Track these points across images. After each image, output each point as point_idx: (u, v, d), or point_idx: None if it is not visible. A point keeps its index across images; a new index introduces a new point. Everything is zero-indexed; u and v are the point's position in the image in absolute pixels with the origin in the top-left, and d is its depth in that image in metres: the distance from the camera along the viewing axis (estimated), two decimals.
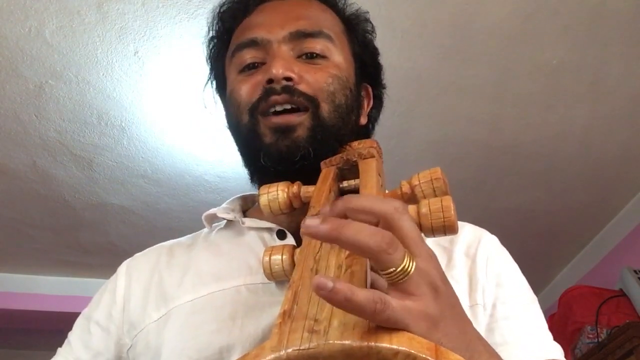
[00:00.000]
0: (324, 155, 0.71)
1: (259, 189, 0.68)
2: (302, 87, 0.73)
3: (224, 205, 0.84)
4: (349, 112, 0.76)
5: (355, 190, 0.63)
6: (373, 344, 0.36)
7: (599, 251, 2.99)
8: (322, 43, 0.77)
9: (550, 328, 0.72)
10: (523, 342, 0.66)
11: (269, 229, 0.76)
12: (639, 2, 1.84)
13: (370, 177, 0.61)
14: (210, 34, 0.89)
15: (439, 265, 0.44)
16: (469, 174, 2.53)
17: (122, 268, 0.82)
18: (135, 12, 1.83)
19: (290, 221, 0.75)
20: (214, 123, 2.21)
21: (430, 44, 1.97)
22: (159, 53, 1.97)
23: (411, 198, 0.59)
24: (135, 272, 0.79)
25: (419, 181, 0.58)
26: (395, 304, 0.38)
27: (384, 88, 0.91)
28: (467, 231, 0.77)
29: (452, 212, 0.50)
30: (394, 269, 0.38)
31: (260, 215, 0.77)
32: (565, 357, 0.69)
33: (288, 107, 0.72)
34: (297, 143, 0.70)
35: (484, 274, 0.71)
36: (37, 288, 3.10)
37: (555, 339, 0.70)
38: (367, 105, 0.86)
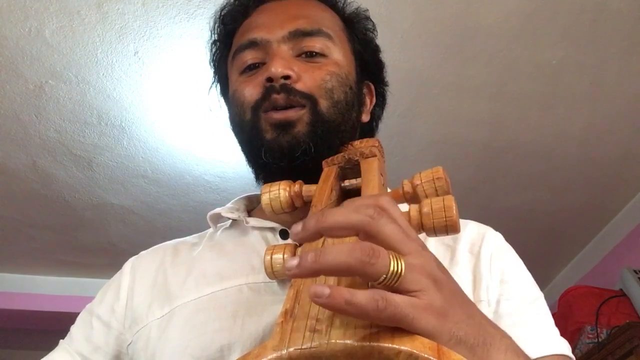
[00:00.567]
0: (325, 150, 0.71)
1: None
2: (299, 86, 0.73)
3: (228, 204, 0.84)
4: (349, 109, 0.77)
5: (357, 190, 0.63)
6: (375, 343, 0.36)
7: (599, 251, 2.99)
8: (321, 41, 0.78)
9: None
10: (528, 338, 0.66)
11: (272, 229, 0.76)
12: (639, 2, 1.84)
13: (372, 176, 0.61)
14: (213, 38, 0.90)
15: (433, 256, 0.44)
16: (469, 174, 2.53)
17: (127, 265, 0.83)
18: (135, 12, 1.83)
19: (293, 221, 0.74)
20: (214, 123, 2.21)
21: (430, 44, 1.97)
22: (159, 53, 1.96)
23: (413, 197, 0.59)
24: (140, 269, 0.80)
25: (421, 180, 0.58)
26: (399, 299, 0.37)
27: (387, 86, 0.91)
28: (471, 228, 0.77)
29: (454, 211, 0.50)
30: (383, 276, 0.37)
31: (264, 215, 0.78)
32: None
33: (288, 105, 0.73)
34: (297, 138, 0.71)
35: (487, 271, 0.71)
36: (37, 288, 3.10)
37: None
38: (369, 103, 0.87)
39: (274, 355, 0.36)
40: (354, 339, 0.36)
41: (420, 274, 0.40)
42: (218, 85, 0.91)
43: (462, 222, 0.52)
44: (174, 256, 0.80)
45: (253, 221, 0.78)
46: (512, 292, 0.70)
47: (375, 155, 0.67)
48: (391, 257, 0.38)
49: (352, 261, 0.37)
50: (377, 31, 0.90)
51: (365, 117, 0.84)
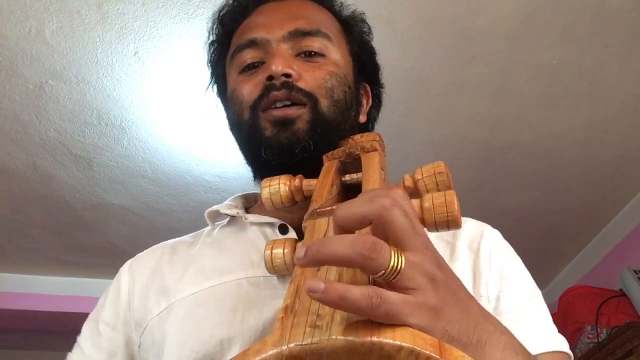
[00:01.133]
0: (324, 149, 0.72)
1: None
2: (300, 84, 0.74)
3: (226, 202, 0.85)
4: (348, 108, 0.78)
5: (358, 184, 0.63)
6: (376, 339, 0.36)
7: (599, 251, 2.99)
8: (320, 41, 0.79)
9: None
10: (527, 335, 0.66)
11: (270, 224, 0.76)
12: (639, 2, 1.84)
13: (373, 170, 0.61)
14: (211, 38, 0.91)
15: (436, 253, 0.44)
16: (469, 174, 2.53)
17: (125, 268, 0.83)
18: (135, 12, 1.83)
19: (292, 216, 0.75)
20: (214, 123, 2.21)
21: (430, 44, 1.97)
22: (159, 53, 1.96)
23: (414, 192, 0.58)
24: (138, 270, 0.80)
25: (422, 175, 0.58)
26: (393, 297, 0.38)
27: (382, 88, 0.92)
28: (470, 226, 0.78)
29: (456, 206, 0.50)
30: (383, 271, 0.38)
31: (262, 212, 0.78)
32: None
33: (288, 103, 0.73)
34: (297, 135, 0.72)
35: (487, 267, 0.72)
36: (37, 288, 3.10)
37: None
38: (366, 104, 0.87)
39: (275, 351, 0.36)
40: (355, 335, 0.36)
41: (418, 272, 0.40)
42: (215, 86, 0.91)
43: (461, 219, 0.52)
44: (171, 255, 0.81)
45: (252, 217, 0.78)
46: (511, 289, 0.71)
47: (376, 150, 0.67)
48: (393, 252, 0.38)
49: (353, 253, 0.37)
50: (372, 34, 0.91)
51: (362, 118, 0.85)
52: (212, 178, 2.55)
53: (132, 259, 0.84)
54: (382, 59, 0.92)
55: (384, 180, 0.62)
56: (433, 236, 0.73)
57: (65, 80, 2.03)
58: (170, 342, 0.67)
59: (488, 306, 0.68)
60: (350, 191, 0.65)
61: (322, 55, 0.78)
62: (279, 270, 0.59)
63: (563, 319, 2.50)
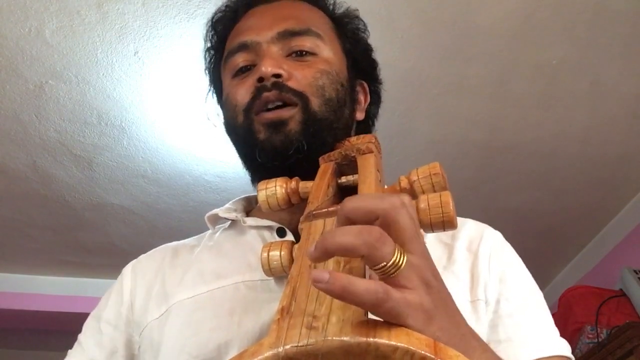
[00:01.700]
0: (319, 148, 0.72)
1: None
2: (290, 84, 0.74)
3: (226, 205, 0.85)
4: (341, 106, 0.77)
5: (354, 186, 0.63)
6: (371, 340, 0.36)
7: (599, 251, 2.99)
8: (310, 40, 0.79)
9: None
10: (528, 339, 0.66)
11: (269, 227, 0.76)
12: (639, 2, 1.84)
13: (368, 172, 0.61)
14: (206, 45, 0.91)
15: (432, 263, 0.45)
16: (469, 174, 2.52)
17: (128, 268, 0.83)
18: (135, 12, 1.83)
19: (290, 219, 0.75)
20: (214, 123, 2.21)
21: (430, 44, 1.97)
22: (159, 53, 1.97)
23: (410, 193, 0.59)
24: (141, 272, 0.80)
25: (418, 176, 0.58)
26: (398, 295, 0.38)
27: (380, 84, 0.92)
28: (470, 227, 0.78)
29: (451, 207, 0.50)
30: (384, 263, 0.38)
31: (262, 215, 0.78)
32: None
33: (279, 103, 0.73)
34: (289, 137, 0.72)
35: (486, 270, 0.71)
36: (37, 288, 3.10)
37: None
38: (364, 101, 0.87)
39: (271, 352, 0.36)
40: (351, 336, 0.36)
41: (416, 274, 0.40)
42: (214, 92, 0.92)
43: (460, 220, 0.52)
44: (173, 257, 0.81)
45: (250, 220, 0.79)
46: (512, 291, 0.70)
47: (371, 151, 0.67)
48: (397, 249, 0.39)
49: (360, 242, 0.38)
50: (369, 31, 0.91)
51: (360, 115, 0.85)
52: (212, 178, 2.55)
53: (135, 260, 0.85)
54: (381, 59, 0.92)
55: (379, 182, 0.62)
56: (431, 237, 0.73)
57: (65, 80, 2.03)
58: (169, 345, 0.67)
59: (487, 309, 0.68)
60: (346, 193, 0.65)
61: (313, 54, 0.78)
62: (276, 273, 0.59)
63: (563, 319, 2.50)
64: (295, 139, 0.71)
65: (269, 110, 0.73)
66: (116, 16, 1.83)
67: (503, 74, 2.09)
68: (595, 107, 2.23)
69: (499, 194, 2.66)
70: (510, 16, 1.87)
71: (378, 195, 0.43)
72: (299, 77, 0.75)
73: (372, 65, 0.90)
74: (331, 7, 0.89)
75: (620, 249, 2.85)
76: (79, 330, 0.81)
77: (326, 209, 0.54)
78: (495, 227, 0.81)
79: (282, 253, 0.58)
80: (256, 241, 0.76)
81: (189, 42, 1.93)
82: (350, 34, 0.87)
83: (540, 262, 3.07)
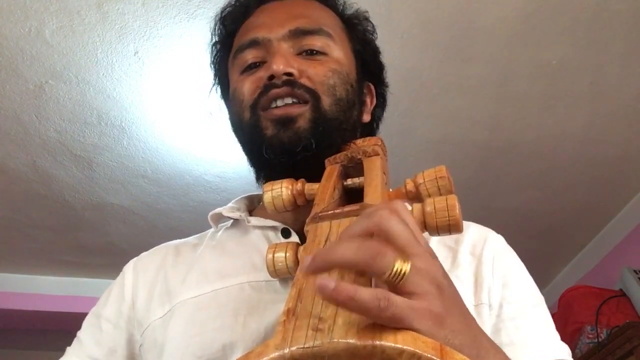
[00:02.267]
0: (326, 147, 0.71)
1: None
2: (303, 81, 0.74)
3: (230, 204, 0.84)
4: (351, 107, 0.77)
5: (360, 189, 0.63)
6: (377, 342, 0.36)
7: (599, 251, 2.99)
8: (321, 40, 0.78)
9: None
10: (530, 343, 0.66)
11: (273, 228, 0.76)
12: (639, 2, 1.84)
13: (374, 175, 0.61)
14: (213, 39, 0.91)
15: (439, 262, 0.45)
16: (469, 174, 2.53)
17: (129, 266, 0.83)
18: (135, 12, 1.83)
19: (295, 219, 0.75)
20: (214, 123, 2.21)
21: (430, 44, 1.97)
22: (159, 53, 1.96)
23: (416, 196, 0.59)
24: (142, 270, 0.80)
25: (424, 179, 0.58)
26: (400, 301, 0.38)
27: (387, 87, 0.92)
28: (473, 231, 0.78)
29: (457, 210, 0.50)
30: (388, 272, 0.38)
31: (265, 214, 0.78)
32: None
33: (289, 101, 0.73)
34: (298, 134, 0.71)
35: (490, 274, 0.71)
36: (37, 288, 3.10)
37: None
38: (370, 103, 0.87)
39: (277, 354, 0.36)
40: (357, 338, 0.36)
41: (424, 278, 0.40)
42: (219, 88, 0.91)
43: (464, 224, 0.52)
44: (175, 256, 0.81)
45: (254, 220, 0.78)
46: (515, 296, 0.70)
47: (377, 154, 0.67)
48: (397, 257, 0.39)
49: (358, 258, 0.39)
50: (377, 33, 0.91)
51: (366, 117, 0.85)
52: (212, 178, 2.55)
53: (137, 258, 0.84)
54: (382, 58, 0.92)
55: (385, 184, 0.62)
56: (435, 241, 0.73)
57: (65, 80, 2.03)
58: (173, 345, 0.67)
59: (490, 313, 0.68)
60: (352, 195, 0.65)
61: (323, 53, 0.78)
62: (281, 274, 0.59)
63: (563, 319, 2.51)
64: (304, 137, 0.71)
65: (277, 107, 0.73)
66: (116, 16, 1.83)
67: (503, 74, 2.09)
68: (595, 107, 2.23)
69: (499, 194, 2.66)
70: (510, 16, 1.88)
71: (368, 213, 0.44)
72: (311, 75, 0.75)
73: (380, 67, 0.90)
74: (341, 7, 0.88)
75: (620, 249, 2.85)
76: (79, 330, 0.81)
77: (332, 211, 0.54)
78: (495, 227, 0.81)
79: (288, 254, 0.58)
80: (261, 241, 0.75)
81: (189, 42, 1.92)
82: (360, 35, 0.87)
83: (540, 262, 3.07)
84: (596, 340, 2.28)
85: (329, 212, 0.54)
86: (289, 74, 0.73)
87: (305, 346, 0.36)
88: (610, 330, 2.24)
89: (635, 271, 2.49)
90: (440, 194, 0.57)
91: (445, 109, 2.23)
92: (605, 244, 2.95)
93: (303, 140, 0.71)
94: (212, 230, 0.86)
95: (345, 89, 0.76)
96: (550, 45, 1.98)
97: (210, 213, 0.83)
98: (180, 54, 1.97)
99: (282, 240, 0.74)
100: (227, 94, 0.86)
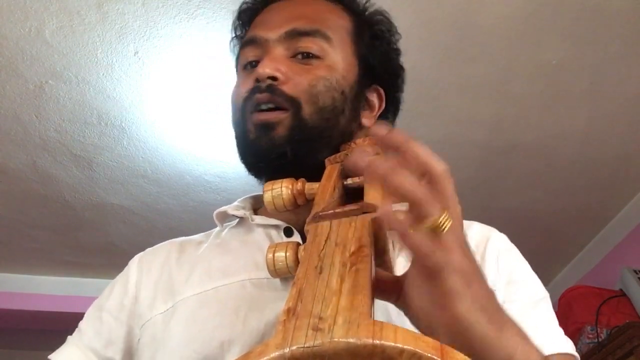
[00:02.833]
0: (305, 156, 0.72)
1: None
2: (285, 88, 0.73)
3: (235, 203, 0.85)
4: (337, 115, 0.75)
5: (360, 188, 0.63)
6: (378, 342, 0.36)
7: (599, 251, 2.99)
8: (317, 42, 0.77)
9: None
10: (533, 337, 0.66)
11: (276, 226, 0.76)
12: (639, 2, 1.84)
13: None
14: (232, 35, 0.91)
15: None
16: (469, 174, 2.53)
17: (135, 261, 0.83)
18: (135, 12, 1.83)
19: (297, 219, 0.75)
20: (215, 123, 2.21)
21: (430, 44, 1.97)
22: (159, 53, 1.96)
23: None
24: (147, 265, 0.81)
25: None
26: (441, 252, 0.41)
27: (400, 91, 0.90)
28: (476, 230, 0.78)
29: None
30: (434, 218, 0.41)
31: (269, 214, 0.78)
32: None
33: (272, 106, 0.73)
34: (274, 141, 0.72)
35: (494, 271, 0.71)
36: (37, 288, 3.10)
37: None
38: (378, 108, 0.85)
39: (277, 353, 0.36)
40: (357, 338, 0.36)
41: (456, 239, 0.43)
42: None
43: (466, 223, 0.52)
44: (180, 253, 0.81)
45: (258, 219, 0.79)
46: (519, 293, 0.70)
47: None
48: (444, 211, 0.42)
49: (418, 194, 0.42)
50: (398, 34, 0.89)
51: (368, 122, 0.82)
52: (212, 178, 2.55)
53: (142, 252, 0.85)
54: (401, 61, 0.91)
55: None
56: None
57: (65, 80, 2.03)
58: (174, 341, 0.67)
59: None
60: (351, 195, 0.65)
61: (317, 57, 0.77)
62: (281, 274, 0.59)
63: (563, 319, 2.51)
64: (279, 144, 0.71)
65: (261, 110, 0.73)
66: (116, 16, 1.83)
67: (503, 74, 2.09)
68: (595, 107, 2.23)
69: (499, 194, 2.66)
70: (510, 16, 1.88)
71: (440, 164, 0.46)
72: (296, 82, 0.74)
73: (392, 72, 0.88)
74: (355, 6, 0.87)
75: (620, 249, 2.85)
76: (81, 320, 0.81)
77: (332, 211, 0.53)
78: (496, 227, 0.81)
79: (288, 254, 0.58)
80: (263, 239, 0.76)
81: (189, 42, 1.92)
82: (368, 37, 0.84)
83: (540, 262, 3.06)
84: (596, 340, 2.28)
85: (329, 211, 0.54)
86: (274, 78, 0.73)
87: (305, 346, 0.36)
88: (610, 330, 2.24)
89: (635, 271, 2.50)
90: None
91: (445, 109, 2.23)
92: (605, 244, 2.95)
93: (278, 147, 0.71)
94: (217, 229, 0.86)
95: (332, 96, 0.75)
96: (550, 45, 1.98)
97: (216, 211, 0.84)
98: (180, 54, 1.97)
99: (285, 239, 0.74)
100: None
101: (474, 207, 2.64)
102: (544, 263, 3.13)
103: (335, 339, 0.36)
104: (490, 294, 0.46)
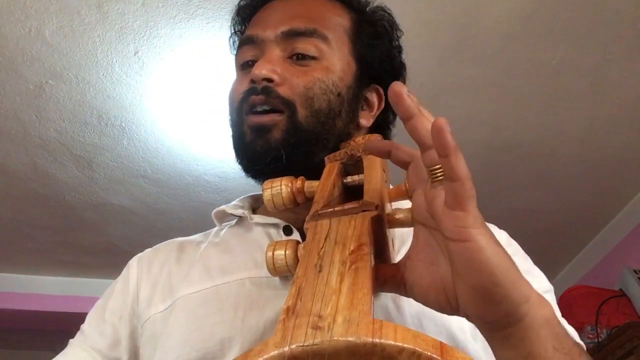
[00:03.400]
0: (300, 159, 0.71)
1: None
2: (280, 90, 0.73)
3: (234, 202, 0.85)
4: (332, 118, 0.75)
5: (359, 186, 0.63)
6: (377, 340, 0.36)
7: (599, 251, 2.99)
8: (313, 43, 0.76)
9: None
10: None
11: (275, 225, 0.76)
12: (639, 2, 1.84)
13: (374, 172, 0.61)
14: (231, 31, 0.91)
15: None
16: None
17: (134, 261, 0.83)
18: (135, 12, 1.83)
19: (297, 217, 0.75)
20: (215, 123, 2.21)
21: (430, 44, 1.97)
22: (159, 53, 1.97)
23: None
24: (147, 264, 0.81)
25: None
26: (472, 191, 0.45)
27: None
28: None
29: None
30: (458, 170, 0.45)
31: (268, 212, 0.78)
32: None
33: (267, 108, 0.72)
34: (269, 144, 0.71)
35: None
36: (37, 288, 3.10)
37: None
38: (377, 107, 0.84)
39: (276, 352, 0.36)
40: (356, 336, 0.36)
41: (475, 208, 0.46)
42: None
43: None
44: (179, 253, 0.81)
45: (257, 217, 0.79)
46: None
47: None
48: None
49: (454, 144, 0.45)
50: (400, 31, 0.88)
51: (366, 122, 0.81)
52: (212, 178, 2.55)
53: (142, 253, 0.85)
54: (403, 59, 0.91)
55: (385, 182, 0.62)
56: None
57: (65, 80, 2.03)
58: (172, 339, 0.67)
59: None
60: (351, 193, 0.65)
61: (314, 58, 0.76)
62: (281, 272, 0.59)
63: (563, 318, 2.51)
64: (274, 147, 0.71)
65: (257, 113, 0.73)
66: (116, 16, 1.83)
67: (503, 74, 2.09)
68: (595, 107, 2.23)
69: (499, 194, 2.66)
70: (510, 16, 1.88)
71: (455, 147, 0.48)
72: (292, 84, 0.73)
73: (392, 69, 0.87)
74: (360, 4, 0.86)
75: (620, 249, 2.85)
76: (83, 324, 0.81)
77: (332, 209, 0.53)
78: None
79: (287, 252, 0.58)
80: (262, 238, 0.76)
81: (189, 42, 1.92)
82: (367, 36, 0.83)
83: (540, 262, 3.05)
84: (596, 340, 2.28)
85: (329, 209, 0.54)
86: (269, 80, 0.73)
87: (305, 344, 0.36)
88: (610, 330, 2.24)
89: (635, 271, 2.50)
90: None
91: (445, 109, 2.22)
92: (605, 244, 2.95)
93: (273, 151, 0.71)
94: (216, 228, 0.86)
95: (327, 99, 0.74)
96: (550, 45, 1.98)
97: (214, 210, 0.84)
98: (180, 54, 1.97)
99: (284, 237, 0.74)
100: None
101: None
102: (544, 263, 3.10)
103: (335, 338, 0.36)
104: (509, 257, 0.47)
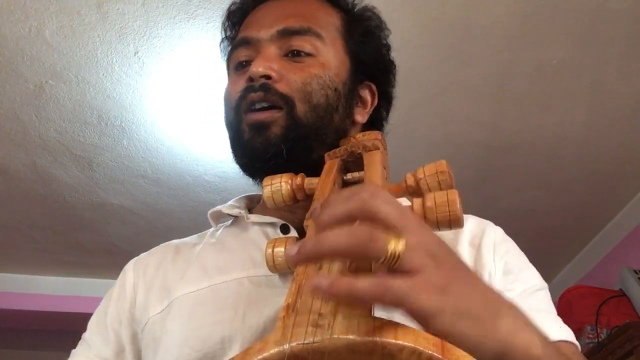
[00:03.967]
0: (300, 154, 0.72)
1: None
2: (279, 86, 0.73)
3: (229, 202, 0.85)
4: (330, 113, 0.76)
5: (360, 183, 0.63)
6: (378, 339, 0.36)
7: (599, 251, 2.99)
8: (309, 41, 0.77)
9: None
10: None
11: (272, 224, 0.76)
12: (639, 2, 1.84)
13: (374, 169, 0.61)
14: (222, 35, 0.91)
15: (432, 234, 0.44)
16: (469, 174, 2.52)
17: (130, 265, 0.83)
18: (135, 12, 1.83)
19: (294, 216, 0.75)
20: (215, 123, 2.21)
21: (430, 44, 1.97)
22: (159, 53, 1.96)
23: (416, 191, 0.58)
24: (142, 268, 0.80)
25: (424, 174, 0.58)
26: (398, 282, 0.38)
27: (392, 86, 0.90)
28: (471, 223, 0.78)
29: (458, 205, 0.50)
30: (383, 257, 0.38)
31: (264, 212, 0.78)
32: None
33: (265, 105, 0.73)
34: (269, 141, 0.72)
35: (491, 260, 0.71)
36: (37, 288, 3.10)
37: None
38: (371, 104, 0.85)
39: (277, 350, 0.36)
40: (357, 334, 0.36)
41: (418, 252, 0.40)
42: None
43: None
44: (175, 254, 0.81)
45: (254, 217, 0.79)
46: (515, 282, 0.71)
47: (377, 148, 0.67)
48: (390, 238, 0.39)
49: (351, 245, 0.38)
50: (388, 30, 0.89)
51: (361, 118, 0.82)
52: (212, 178, 2.55)
53: (137, 257, 0.85)
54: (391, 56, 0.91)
55: (385, 178, 0.62)
56: None
57: (65, 80, 2.03)
58: (171, 339, 0.67)
59: None
60: None
61: (310, 55, 0.77)
62: (281, 269, 0.59)
63: (563, 318, 2.49)
64: (274, 143, 0.71)
65: (255, 110, 0.73)
66: (116, 16, 1.83)
67: (503, 74, 2.09)
68: (595, 107, 2.23)
69: (499, 194, 2.66)
70: (510, 16, 1.87)
71: (345, 197, 0.42)
72: (290, 80, 0.74)
73: (383, 67, 0.88)
74: (346, 5, 0.87)
75: (620, 249, 2.85)
76: (79, 330, 0.80)
77: None
78: None
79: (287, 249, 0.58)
80: (259, 237, 0.76)
81: (189, 42, 1.92)
82: (358, 34, 0.85)
83: (540, 262, 3.05)
84: (596, 340, 2.28)
85: None
86: (268, 77, 0.73)
87: (305, 342, 0.36)
88: (610, 330, 2.24)
89: (635, 271, 2.49)
90: (441, 189, 0.56)
91: (445, 109, 2.22)
92: (605, 244, 2.94)
93: (273, 147, 0.71)
94: (212, 229, 0.86)
95: (325, 94, 0.75)
96: (550, 45, 1.98)
97: (210, 211, 0.84)
98: (180, 54, 1.97)
99: (281, 236, 0.74)
100: None
101: (474, 207, 2.62)
102: (544, 263, 3.11)
103: (335, 336, 0.36)
104: (473, 285, 0.44)
